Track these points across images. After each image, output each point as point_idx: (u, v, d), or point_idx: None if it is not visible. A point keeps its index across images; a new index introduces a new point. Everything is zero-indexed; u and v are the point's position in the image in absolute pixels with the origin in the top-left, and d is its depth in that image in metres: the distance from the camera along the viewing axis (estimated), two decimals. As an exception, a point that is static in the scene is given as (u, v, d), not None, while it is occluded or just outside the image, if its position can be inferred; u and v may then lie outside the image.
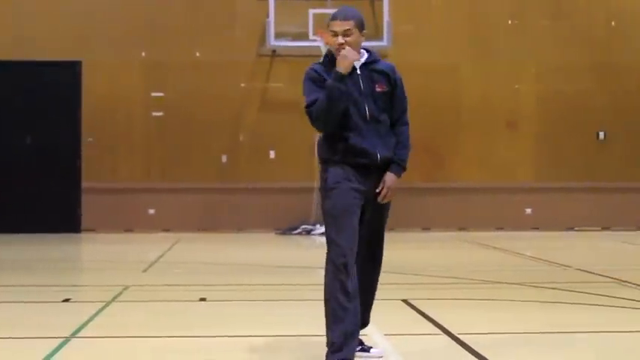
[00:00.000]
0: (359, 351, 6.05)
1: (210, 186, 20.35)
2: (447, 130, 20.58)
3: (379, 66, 6.02)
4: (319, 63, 6.02)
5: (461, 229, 20.46)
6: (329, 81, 5.78)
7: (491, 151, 20.71)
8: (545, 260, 13.83)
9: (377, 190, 5.92)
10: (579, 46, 21.10)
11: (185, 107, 20.47)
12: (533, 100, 20.99)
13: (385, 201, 5.97)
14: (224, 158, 20.51)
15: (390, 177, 5.96)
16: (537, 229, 20.71)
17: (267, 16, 19.99)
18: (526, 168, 20.97)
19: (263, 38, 20.30)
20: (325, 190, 5.92)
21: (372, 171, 5.90)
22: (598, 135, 21.12)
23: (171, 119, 20.50)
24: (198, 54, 20.57)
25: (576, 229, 20.84)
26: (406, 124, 6.14)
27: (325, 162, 5.99)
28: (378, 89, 5.93)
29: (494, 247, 16.32)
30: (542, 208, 20.84)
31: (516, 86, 21.03)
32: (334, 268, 5.77)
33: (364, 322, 6.13)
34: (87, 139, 20.22)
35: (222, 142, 20.50)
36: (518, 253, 15.25)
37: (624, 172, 21.02)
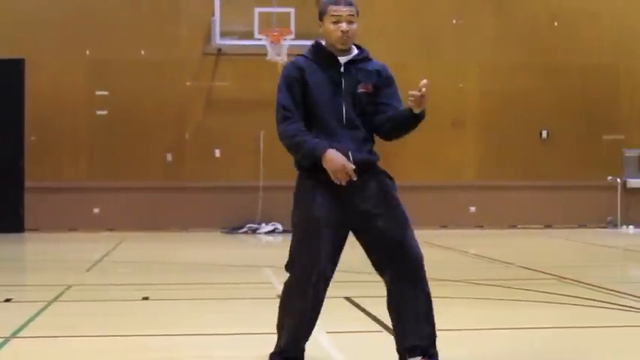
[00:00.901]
0: None
1: (156, 185, 20.27)
2: (392, 128, 20.64)
3: (369, 65, 5.64)
4: (304, 55, 5.58)
5: (406, 227, 20.53)
6: (312, 143, 5.33)
7: (436, 149, 20.84)
8: (489, 258, 13.96)
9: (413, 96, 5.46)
10: (523, 46, 21.31)
11: (130, 106, 20.36)
12: (478, 99, 21.17)
13: (419, 106, 5.59)
14: (169, 157, 20.44)
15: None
16: (481, 227, 20.89)
17: (213, 14, 19.96)
18: (470, 166, 21.14)
19: (208, 37, 20.27)
20: (294, 199, 5.57)
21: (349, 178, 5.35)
22: (541, 134, 21.35)
23: (115, 118, 20.38)
24: (143, 52, 20.47)
25: (519, 227, 21.05)
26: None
27: (298, 168, 5.60)
28: (361, 89, 5.51)
29: (438, 245, 16.41)
30: (486, 207, 21.02)
31: (461, 85, 21.19)
32: (290, 280, 5.49)
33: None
34: (30, 137, 20.04)
35: (167, 140, 20.43)
36: (461, 251, 15.37)
37: (567, 171, 21.27)
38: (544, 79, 21.35)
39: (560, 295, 9.28)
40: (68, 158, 20.30)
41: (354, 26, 5.50)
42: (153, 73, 20.46)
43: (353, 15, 5.49)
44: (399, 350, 5.58)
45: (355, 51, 5.62)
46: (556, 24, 21.49)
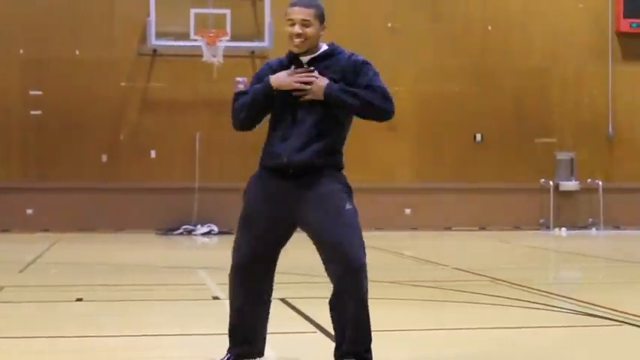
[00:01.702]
0: None
1: (90, 186, 20.13)
2: (327, 130, 20.72)
3: (334, 62, 5.55)
4: (279, 59, 5.67)
5: (341, 229, 20.61)
6: (259, 86, 5.46)
7: (371, 151, 20.94)
8: (423, 259, 14.08)
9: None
10: (457, 50, 21.53)
11: (64, 106, 20.21)
12: (413, 102, 21.31)
13: (302, 94, 5.37)
14: (104, 158, 20.32)
15: (322, 79, 5.41)
16: (416, 229, 21.04)
17: (148, 15, 19.88)
18: (405, 169, 21.29)
19: (144, 37, 20.20)
20: (243, 193, 5.57)
21: (285, 176, 5.37)
22: (475, 137, 21.57)
23: (49, 118, 20.21)
24: (77, 52, 20.33)
25: (454, 229, 21.25)
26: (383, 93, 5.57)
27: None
28: None
29: (373, 247, 16.46)
30: (421, 209, 21.19)
31: (396, 88, 21.27)
32: (230, 271, 5.53)
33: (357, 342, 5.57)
34: (-38, 137, 19.80)
35: (102, 141, 20.30)
36: (396, 253, 15.47)
37: (500, 173, 21.52)
38: (478, 83, 21.59)
39: (492, 296, 9.40)
40: (1, 158, 20.08)
41: (310, 29, 5.46)
42: (88, 73, 20.33)
43: (308, 19, 5.45)
44: (335, 355, 5.56)
45: (322, 48, 5.60)
46: (490, 28, 21.74)
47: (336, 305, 5.52)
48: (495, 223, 21.48)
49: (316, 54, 5.55)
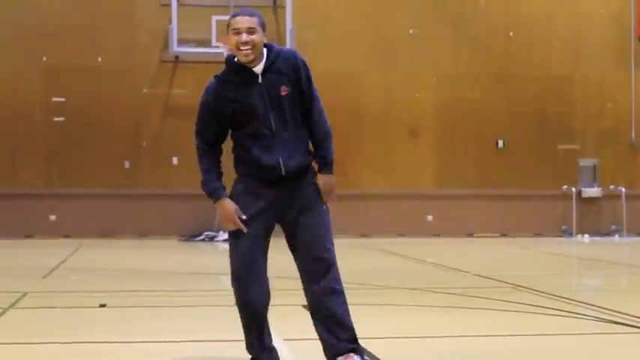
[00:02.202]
0: None
1: (113, 192, 20.20)
2: (349, 136, 20.74)
3: (280, 64, 5.60)
4: (217, 76, 5.64)
5: (363, 235, 20.64)
6: (214, 186, 5.68)
7: (393, 158, 20.95)
8: (445, 266, 14.04)
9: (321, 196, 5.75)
10: (479, 56, 21.49)
11: (87, 112, 20.30)
12: (434, 109, 21.31)
13: (329, 201, 5.79)
14: (127, 164, 20.39)
15: (322, 179, 5.75)
16: (438, 235, 21.00)
17: (170, 22, 19.94)
18: (427, 175, 21.26)
19: (166, 44, 20.25)
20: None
21: (280, 183, 5.59)
22: (497, 143, 21.53)
23: (72, 124, 20.30)
24: (100, 59, 20.42)
25: (476, 235, 21.19)
26: (320, 112, 5.83)
27: (236, 173, 5.75)
28: (282, 93, 5.55)
29: (395, 254, 16.50)
30: (443, 215, 21.15)
31: (417, 94, 21.31)
32: (231, 280, 5.69)
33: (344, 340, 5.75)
34: (-14, 144, 19.92)
35: (124, 147, 20.38)
36: (418, 259, 15.44)
37: (522, 180, 21.46)
38: (500, 89, 21.55)
39: (515, 302, 9.37)
40: (24, 164, 20.18)
41: (255, 36, 5.49)
42: (110, 80, 20.41)
43: (253, 27, 5.50)
44: (328, 354, 5.78)
45: (265, 56, 5.60)
46: (512, 34, 21.69)
47: (313, 306, 5.77)
48: (517, 230, 21.41)
49: (264, 62, 5.58)
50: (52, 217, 20.21)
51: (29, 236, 19.94)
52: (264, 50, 5.60)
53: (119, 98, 20.46)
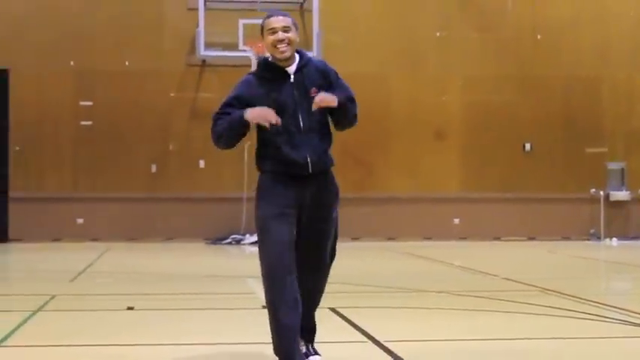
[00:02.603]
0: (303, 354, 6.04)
1: (140, 195, 20.27)
2: (375, 140, 20.74)
3: (310, 69, 5.87)
4: (253, 73, 5.90)
5: (390, 238, 20.62)
6: (236, 114, 5.72)
7: (420, 161, 20.92)
8: (472, 269, 13.99)
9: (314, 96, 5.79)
10: (506, 59, 21.42)
11: (114, 116, 20.38)
12: (461, 111, 21.26)
13: (316, 105, 5.75)
14: (153, 168, 20.45)
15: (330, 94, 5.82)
16: (465, 238, 20.95)
17: (197, 25, 19.99)
18: (454, 178, 21.21)
19: (193, 48, 20.31)
20: (256, 199, 5.88)
21: (304, 180, 5.79)
22: (524, 146, 21.45)
23: (100, 128, 20.38)
24: (127, 63, 20.49)
25: (503, 239, 21.12)
26: (352, 98, 6.09)
27: (259, 171, 5.92)
28: (312, 94, 5.77)
29: (422, 257, 16.47)
30: (470, 218, 21.09)
31: (444, 97, 21.27)
32: (263, 277, 5.79)
33: (308, 328, 6.13)
34: (14, 148, 20.02)
35: (151, 151, 20.44)
36: (445, 263, 15.41)
37: (550, 183, 21.37)
38: (527, 91, 21.47)
39: (543, 306, 9.33)
40: (52, 168, 20.28)
41: (291, 34, 5.75)
42: (137, 84, 20.49)
43: (288, 26, 5.75)
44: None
45: (297, 58, 5.87)
46: (539, 37, 21.61)
47: (309, 288, 6.02)
48: (545, 234, 21.32)
49: (297, 64, 5.85)
50: (80, 221, 20.29)
51: (57, 240, 20.04)
52: (296, 55, 5.85)
53: (146, 102, 20.53)
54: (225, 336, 7.55)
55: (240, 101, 5.78)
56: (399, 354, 6.64)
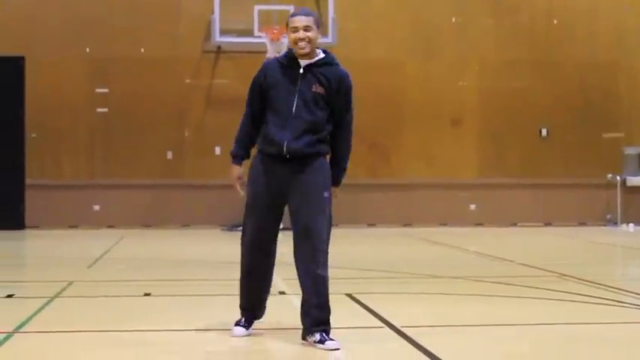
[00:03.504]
0: (317, 342, 6.31)
1: (156, 182, 20.30)
2: (391, 126, 20.72)
3: (328, 69, 6.39)
4: (275, 57, 6.58)
5: (405, 224, 20.61)
6: (232, 151, 6.74)
7: (436, 147, 20.88)
8: (489, 255, 13.98)
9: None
10: (522, 44, 21.35)
11: (130, 103, 20.40)
12: (477, 97, 21.20)
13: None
14: (169, 154, 20.47)
15: (336, 191, 6.56)
16: (481, 224, 20.93)
17: (212, 12, 19.98)
18: (470, 164, 21.16)
19: (208, 34, 20.30)
20: (248, 176, 6.65)
21: (284, 164, 6.38)
22: (540, 132, 21.38)
23: (115, 115, 20.41)
24: (142, 50, 20.50)
25: (519, 224, 21.08)
26: (350, 132, 6.56)
27: (257, 150, 6.62)
28: (313, 89, 6.34)
29: (438, 243, 16.46)
30: (486, 204, 21.06)
31: (460, 83, 21.22)
32: (241, 247, 6.73)
33: (321, 318, 6.39)
34: (31, 135, 20.07)
35: (167, 138, 20.46)
36: (461, 249, 15.39)
37: (566, 169, 21.31)
38: (543, 76, 21.39)
39: (560, 292, 9.31)
40: (68, 155, 20.33)
41: (311, 33, 6.33)
42: (153, 71, 20.49)
43: (309, 25, 6.33)
44: (301, 319, 6.47)
45: (320, 56, 6.45)
46: (555, 21, 21.52)
47: (300, 278, 6.44)
48: (561, 219, 21.27)
49: (313, 60, 6.42)
50: (96, 208, 20.34)
51: (73, 226, 20.10)
52: (320, 54, 6.44)
53: (162, 89, 20.54)
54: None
55: (257, 85, 6.52)
56: (416, 339, 6.64)
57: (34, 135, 20.10)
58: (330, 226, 6.47)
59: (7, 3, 20.24)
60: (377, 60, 20.71)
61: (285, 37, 19.12)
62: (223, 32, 19.96)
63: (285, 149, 6.32)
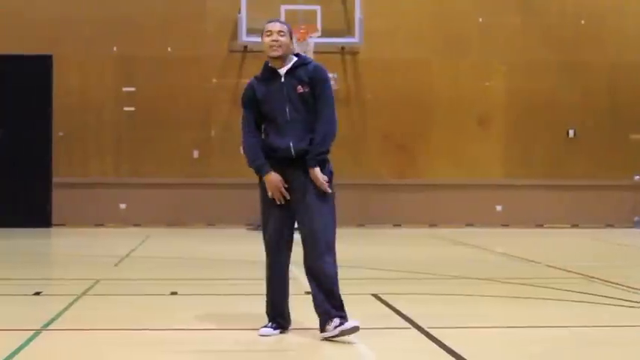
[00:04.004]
0: (337, 326, 6.59)
1: (182, 181, 20.34)
2: (417, 126, 20.68)
3: (303, 69, 6.88)
4: (256, 77, 7.08)
5: (432, 225, 20.56)
6: (255, 164, 6.93)
7: (462, 147, 20.81)
8: (515, 256, 13.93)
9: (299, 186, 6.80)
10: (549, 44, 21.24)
11: (156, 102, 20.45)
12: (504, 98, 21.12)
13: (322, 189, 6.75)
14: (195, 153, 20.51)
15: (310, 173, 6.76)
16: (507, 225, 20.85)
17: (239, 11, 20.01)
18: (496, 165, 21.09)
19: (234, 34, 20.32)
20: (258, 181, 7.02)
21: (289, 163, 6.80)
22: (568, 132, 21.28)
23: (142, 114, 20.47)
24: (169, 49, 20.55)
25: (546, 226, 20.99)
26: (326, 115, 6.82)
27: None
28: (299, 90, 6.82)
29: (465, 244, 16.41)
30: (513, 205, 20.98)
31: (487, 83, 21.14)
32: (265, 249, 6.99)
33: (336, 305, 6.71)
34: (58, 133, 20.16)
35: (193, 137, 20.50)
36: (488, 250, 15.34)
37: (593, 170, 21.19)
38: (571, 77, 21.28)
39: (587, 294, 9.27)
40: (95, 154, 20.41)
41: (284, 38, 6.88)
42: (179, 70, 20.54)
43: (283, 31, 6.90)
44: (316, 312, 6.80)
45: (293, 60, 6.94)
46: (583, 22, 21.41)
47: (308, 276, 6.81)
48: (588, 221, 21.16)
49: (290, 65, 6.91)
50: (122, 206, 20.41)
51: (100, 225, 20.17)
52: (293, 58, 6.93)
53: (188, 88, 20.58)
54: (265, 321, 7.54)
55: (249, 103, 7.04)
56: (443, 341, 6.62)
57: (61, 133, 20.19)
58: (335, 220, 6.84)
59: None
60: (404, 60, 20.67)
61: (311, 37, 19.17)
62: (250, 32, 19.97)
63: (292, 150, 6.76)
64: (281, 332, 6.91)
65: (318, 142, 6.74)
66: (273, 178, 6.81)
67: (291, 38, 6.95)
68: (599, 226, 20.98)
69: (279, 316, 6.95)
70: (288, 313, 7.02)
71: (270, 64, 6.97)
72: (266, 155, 6.87)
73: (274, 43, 6.86)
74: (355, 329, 6.55)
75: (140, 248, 15.09)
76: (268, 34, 6.91)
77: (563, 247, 16.88)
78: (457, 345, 6.42)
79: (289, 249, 6.95)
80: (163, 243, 16.70)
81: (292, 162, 6.79)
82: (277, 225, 6.87)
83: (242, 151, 7.15)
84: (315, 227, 6.73)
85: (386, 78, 20.63)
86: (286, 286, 7.00)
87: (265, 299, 7.00)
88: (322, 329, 6.67)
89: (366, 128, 20.32)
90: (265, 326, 6.91)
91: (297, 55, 6.98)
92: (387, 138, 20.41)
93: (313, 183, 6.74)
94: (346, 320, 6.60)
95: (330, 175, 6.84)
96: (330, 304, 6.64)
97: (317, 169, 6.74)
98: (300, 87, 6.82)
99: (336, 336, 6.56)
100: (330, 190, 6.78)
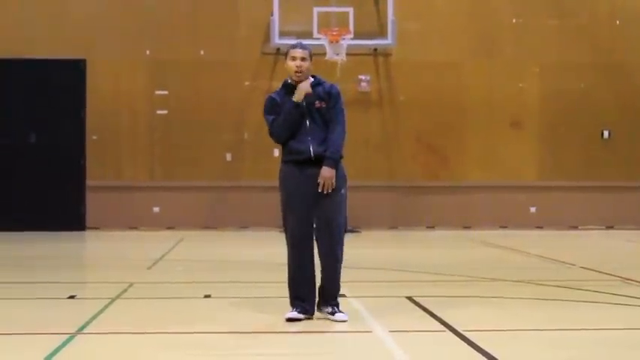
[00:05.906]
0: (329, 314, 7.56)
1: (215, 184, 20.37)
2: (451, 128, 20.60)
3: (321, 88, 7.77)
4: (276, 91, 7.90)
5: (465, 227, 20.48)
6: (288, 106, 7.67)
7: (496, 149, 20.71)
8: (550, 258, 13.84)
9: (317, 182, 7.57)
10: (583, 45, 21.10)
11: (189, 105, 20.50)
12: (537, 99, 21.00)
13: (326, 190, 7.56)
14: (228, 156, 20.54)
15: (323, 170, 7.57)
16: (541, 227, 20.73)
17: (272, 14, 20.01)
18: (530, 166, 20.97)
19: (267, 37, 20.32)
20: (279, 181, 7.84)
21: (309, 164, 7.61)
22: (602, 134, 21.13)
23: (175, 117, 20.52)
24: (202, 52, 20.60)
25: (580, 227, 20.85)
26: (338, 124, 7.72)
27: (281, 161, 7.87)
28: (317, 105, 7.69)
29: (499, 246, 16.33)
30: (547, 207, 20.85)
31: (520, 85, 21.04)
32: (287, 246, 7.76)
33: (333, 291, 7.70)
34: (91, 137, 20.25)
35: (226, 140, 20.53)
36: (522, 252, 15.26)
37: (628, 171, 21.03)
38: (605, 78, 21.13)
39: (624, 296, 9.18)
40: (128, 157, 20.49)
41: (306, 63, 7.76)
42: (212, 73, 20.57)
43: (305, 57, 7.76)
44: (318, 303, 7.73)
45: (311, 79, 7.81)
46: (618, 22, 21.26)
47: (322, 260, 7.69)
48: (623, 222, 21.00)
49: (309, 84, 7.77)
50: (156, 209, 20.46)
51: (133, 228, 20.24)
52: (311, 79, 7.81)
53: (221, 91, 20.61)
54: (301, 324, 7.53)
55: (272, 108, 7.79)
56: (478, 343, 6.58)
57: (94, 137, 20.27)
58: (345, 217, 7.85)
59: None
60: (437, 62, 20.61)
61: (344, 38, 19.15)
62: (282, 34, 19.97)
63: (312, 153, 7.60)
64: (306, 318, 7.57)
65: (331, 147, 7.60)
66: (303, 85, 7.68)
67: (311, 59, 7.80)
68: (634, 227, 20.81)
69: (306, 302, 7.65)
70: (314, 300, 7.68)
71: (290, 82, 7.79)
72: (289, 157, 7.73)
73: (298, 68, 7.71)
74: (343, 322, 7.44)
75: (173, 251, 15.13)
76: (292, 59, 7.74)
77: (598, 249, 16.77)
78: (493, 348, 6.38)
79: (312, 239, 7.67)
80: (197, 246, 16.73)
81: (312, 163, 7.60)
82: (298, 222, 7.65)
83: (275, 132, 7.77)
84: (331, 219, 7.61)
85: (419, 79, 20.57)
86: (311, 274, 7.68)
87: (289, 291, 7.74)
88: (319, 308, 7.66)
89: (399, 130, 20.27)
90: (292, 311, 7.61)
91: (313, 76, 7.86)
92: (420, 140, 20.34)
93: (329, 181, 7.52)
94: (338, 310, 7.59)
95: (343, 178, 7.72)
96: (333, 290, 7.65)
97: (330, 169, 7.54)
98: (317, 102, 7.69)
99: (327, 319, 7.55)
100: (334, 186, 7.57)
